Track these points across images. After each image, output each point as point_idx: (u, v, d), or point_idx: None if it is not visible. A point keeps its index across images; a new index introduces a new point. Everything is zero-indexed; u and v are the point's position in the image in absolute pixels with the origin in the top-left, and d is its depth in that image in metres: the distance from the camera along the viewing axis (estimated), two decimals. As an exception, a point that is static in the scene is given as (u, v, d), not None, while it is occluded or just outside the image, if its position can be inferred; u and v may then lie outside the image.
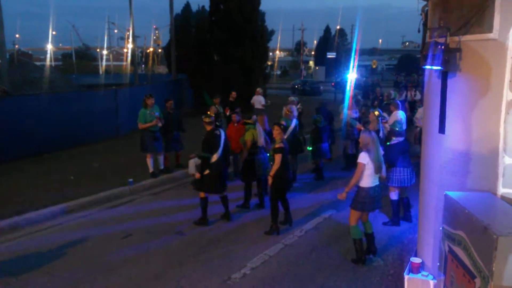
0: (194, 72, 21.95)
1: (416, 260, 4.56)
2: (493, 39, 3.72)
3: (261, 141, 8.07)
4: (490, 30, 3.73)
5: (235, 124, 9.20)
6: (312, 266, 5.84)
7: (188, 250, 6.33)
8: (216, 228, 7.21)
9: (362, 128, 8.56)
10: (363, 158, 5.67)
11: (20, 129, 11.37)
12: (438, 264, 4.08)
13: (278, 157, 6.71)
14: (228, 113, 11.73)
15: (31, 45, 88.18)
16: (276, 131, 6.90)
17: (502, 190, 3.79)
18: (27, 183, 9.29)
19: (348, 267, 5.77)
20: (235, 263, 5.91)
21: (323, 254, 6.19)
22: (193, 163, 7.68)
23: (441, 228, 3.93)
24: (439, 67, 4.06)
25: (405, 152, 7.22)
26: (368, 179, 5.69)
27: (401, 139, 7.20)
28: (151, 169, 9.71)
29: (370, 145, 5.67)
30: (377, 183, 5.83)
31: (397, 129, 7.25)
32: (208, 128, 7.31)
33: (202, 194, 7.28)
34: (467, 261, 3.37)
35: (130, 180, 9.24)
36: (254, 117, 8.60)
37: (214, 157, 7.16)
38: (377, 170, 5.71)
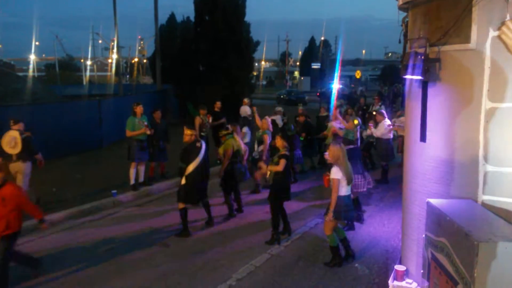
0: (179, 83, 21.90)
1: (400, 267, 4.60)
2: (471, 49, 3.81)
3: (243, 148, 8.26)
4: (468, 40, 3.81)
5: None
6: (299, 275, 5.82)
7: (173, 263, 6.25)
8: (201, 239, 7.14)
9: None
10: (336, 173, 5.80)
11: (1, 141, 11.13)
12: (422, 271, 4.11)
13: (282, 162, 6.71)
14: (210, 120, 11.72)
15: (13, 55, 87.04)
16: (279, 142, 6.97)
17: (483, 197, 3.85)
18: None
19: (334, 276, 5.77)
20: (220, 274, 5.85)
21: (309, 263, 6.17)
22: None
23: (424, 236, 3.97)
24: (419, 77, 4.14)
25: (356, 159, 7.67)
26: (342, 189, 5.84)
27: (351, 146, 7.79)
28: (132, 181, 9.50)
29: (340, 159, 5.80)
30: (349, 192, 6.00)
31: (349, 138, 8.02)
32: (189, 139, 7.29)
33: (180, 205, 7.21)
34: (449, 268, 3.40)
35: (114, 191, 9.14)
36: (229, 126, 8.53)
37: (190, 168, 7.12)
38: (349, 181, 5.90)
